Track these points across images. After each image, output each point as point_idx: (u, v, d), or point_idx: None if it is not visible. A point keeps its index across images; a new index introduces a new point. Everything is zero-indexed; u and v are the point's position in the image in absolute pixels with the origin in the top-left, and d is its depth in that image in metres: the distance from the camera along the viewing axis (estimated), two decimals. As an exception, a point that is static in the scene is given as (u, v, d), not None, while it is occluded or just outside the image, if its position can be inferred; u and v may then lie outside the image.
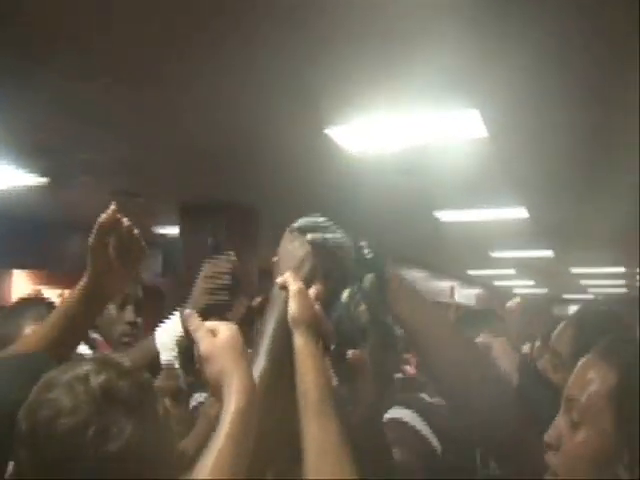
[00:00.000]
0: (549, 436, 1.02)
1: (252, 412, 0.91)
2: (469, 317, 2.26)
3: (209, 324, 0.99)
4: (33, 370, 0.89)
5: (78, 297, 1.35)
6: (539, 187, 5.72)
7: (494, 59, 3.08)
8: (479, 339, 1.66)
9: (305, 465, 0.94)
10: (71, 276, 1.71)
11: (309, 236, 1.15)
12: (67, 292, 1.46)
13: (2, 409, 0.85)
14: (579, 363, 1.06)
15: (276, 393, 1.04)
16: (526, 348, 4.01)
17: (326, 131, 4.10)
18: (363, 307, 1.17)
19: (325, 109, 3.81)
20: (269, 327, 1.08)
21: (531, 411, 1.22)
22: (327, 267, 1.16)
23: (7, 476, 0.84)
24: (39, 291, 7.73)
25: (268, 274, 1.21)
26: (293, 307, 1.06)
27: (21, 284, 8.26)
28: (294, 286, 1.08)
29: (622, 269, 11.94)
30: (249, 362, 0.96)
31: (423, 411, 1.74)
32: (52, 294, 6.92)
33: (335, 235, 1.17)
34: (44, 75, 3.34)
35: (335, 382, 1.12)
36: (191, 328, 0.98)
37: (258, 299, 2.84)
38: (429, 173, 5.04)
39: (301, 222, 1.19)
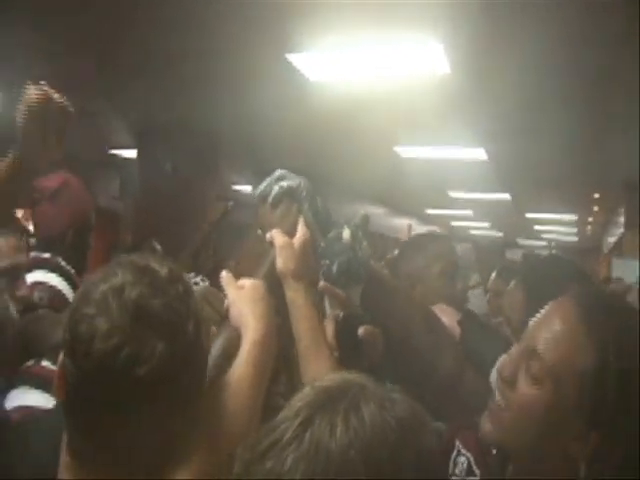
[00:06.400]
0: (505, 369, 0.95)
1: (267, 344, 1.05)
2: (422, 240, 2.20)
3: (239, 281, 1.15)
4: None
5: (6, 176, 1.34)
6: (499, 129, 5.74)
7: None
8: None
9: None
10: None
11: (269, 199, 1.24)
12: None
13: None
14: (548, 307, 0.98)
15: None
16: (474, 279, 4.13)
17: (287, 56, 4.03)
18: (365, 243, 1.18)
19: (288, 35, 3.74)
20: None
21: (471, 353, 1.26)
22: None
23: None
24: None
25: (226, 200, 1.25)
26: (279, 261, 1.18)
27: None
28: (279, 241, 1.19)
29: (574, 217, 12.16)
30: (267, 307, 1.10)
31: None
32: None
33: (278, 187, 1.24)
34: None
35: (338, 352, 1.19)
36: (223, 284, 1.15)
37: (231, 202, 3.05)
38: (390, 106, 5.01)
39: (257, 190, 1.27)
